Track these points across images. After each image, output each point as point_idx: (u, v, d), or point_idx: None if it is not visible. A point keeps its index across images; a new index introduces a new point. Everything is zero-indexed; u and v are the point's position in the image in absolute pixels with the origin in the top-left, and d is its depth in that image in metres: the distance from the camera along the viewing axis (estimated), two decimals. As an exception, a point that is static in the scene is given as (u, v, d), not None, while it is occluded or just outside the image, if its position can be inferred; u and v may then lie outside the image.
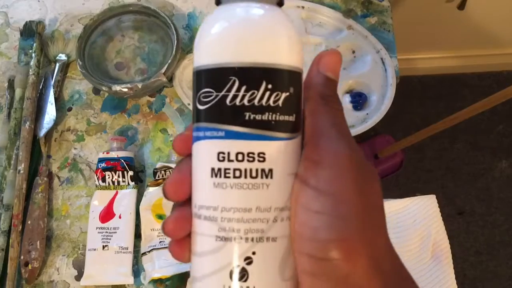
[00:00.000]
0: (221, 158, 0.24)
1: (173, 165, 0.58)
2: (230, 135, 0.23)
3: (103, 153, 0.60)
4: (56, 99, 0.65)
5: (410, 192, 0.67)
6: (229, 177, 0.23)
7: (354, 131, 0.64)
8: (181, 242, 0.26)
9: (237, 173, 0.23)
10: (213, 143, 0.24)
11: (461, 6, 1.08)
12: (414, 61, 1.43)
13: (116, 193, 0.58)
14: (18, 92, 0.65)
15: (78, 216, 0.60)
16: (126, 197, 0.58)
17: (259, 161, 0.23)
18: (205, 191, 0.24)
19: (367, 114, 0.66)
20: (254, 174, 0.23)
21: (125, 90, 0.63)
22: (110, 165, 0.59)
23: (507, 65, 1.45)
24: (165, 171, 0.58)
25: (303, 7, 0.72)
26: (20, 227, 0.58)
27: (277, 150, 0.24)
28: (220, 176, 0.23)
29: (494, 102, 0.79)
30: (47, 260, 0.58)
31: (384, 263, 0.23)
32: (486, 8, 1.24)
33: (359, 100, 0.67)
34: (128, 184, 0.59)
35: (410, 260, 0.56)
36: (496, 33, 1.34)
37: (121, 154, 0.59)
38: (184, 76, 0.67)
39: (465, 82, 1.47)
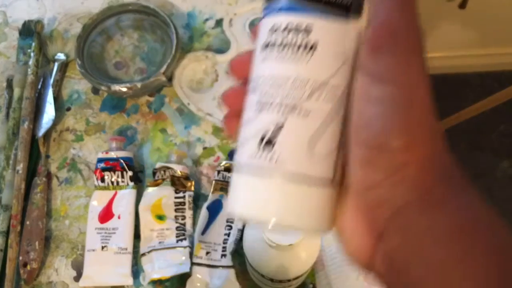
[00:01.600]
0: (271, 32, 0.25)
1: (172, 165, 0.58)
2: (283, 9, 0.24)
3: (102, 153, 0.59)
4: (55, 99, 0.65)
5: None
6: (274, 49, 0.24)
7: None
8: (235, 117, 0.26)
9: (282, 46, 0.24)
10: (268, 19, 0.25)
11: (462, 5, 1.07)
12: (415, 60, 1.43)
13: (115, 193, 0.58)
14: (16, 91, 0.64)
15: (77, 217, 0.60)
16: (125, 197, 0.58)
17: (305, 34, 0.24)
18: (255, 65, 0.26)
19: (368, 113, 0.65)
20: (297, 47, 0.24)
21: (124, 89, 0.62)
22: (109, 165, 0.58)
23: (509, 65, 1.44)
24: (164, 171, 0.58)
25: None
26: (19, 228, 0.57)
27: (325, 26, 0.24)
28: (267, 49, 0.25)
29: (496, 101, 0.78)
30: (45, 261, 0.58)
31: (444, 160, 0.22)
32: (487, 7, 1.23)
33: (360, 99, 0.66)
34: (127, 184, 0.58)
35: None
36: (498, 32, 1.33)
37: (120, 154, 0.59)
38: (184, 76, 0.66)
39: (467, 81, 1.46)
